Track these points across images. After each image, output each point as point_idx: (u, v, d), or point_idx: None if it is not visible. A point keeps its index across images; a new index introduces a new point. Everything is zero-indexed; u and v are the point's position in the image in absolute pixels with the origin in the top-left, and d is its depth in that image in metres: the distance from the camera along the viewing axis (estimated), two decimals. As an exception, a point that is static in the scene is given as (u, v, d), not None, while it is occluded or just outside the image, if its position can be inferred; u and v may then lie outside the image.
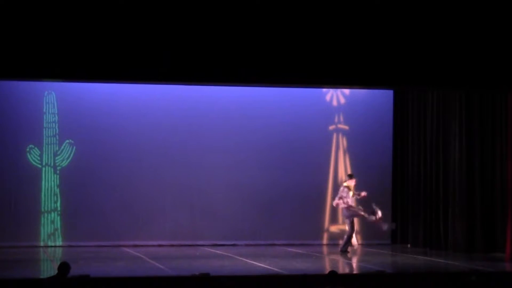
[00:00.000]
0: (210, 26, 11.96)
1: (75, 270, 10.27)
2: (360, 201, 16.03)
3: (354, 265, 14.58)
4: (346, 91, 17.71)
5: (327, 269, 12.44)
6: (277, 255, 15.02)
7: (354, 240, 15.95)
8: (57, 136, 16.61)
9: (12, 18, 11.40)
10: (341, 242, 16.12)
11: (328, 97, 17.77)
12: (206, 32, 11.96)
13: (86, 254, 14.90)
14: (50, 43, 11.55)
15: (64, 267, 9.54)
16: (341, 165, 17.76)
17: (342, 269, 13.78)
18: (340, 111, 17.82)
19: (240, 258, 14.41)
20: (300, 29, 12.20)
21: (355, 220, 15.96)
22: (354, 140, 17.80)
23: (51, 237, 16.52)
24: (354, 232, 15.87)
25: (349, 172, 17.06)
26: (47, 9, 11.47)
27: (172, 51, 11.93)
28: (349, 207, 15.61)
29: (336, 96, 17.77)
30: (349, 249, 15.62)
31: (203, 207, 17.12)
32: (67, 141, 16.63)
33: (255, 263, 13.70)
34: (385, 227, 15.97)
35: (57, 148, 16.60)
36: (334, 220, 17.66)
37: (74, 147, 16.62)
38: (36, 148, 16.50)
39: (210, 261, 13.95)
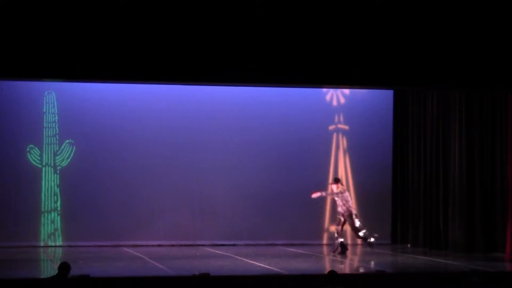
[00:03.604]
0: (210, 26, 11.95)
1: (75, 270, 10.26)
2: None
3: (354, 265, 14.58)
4: (346, 91, 17.71)
5: (327, 269, 12.43)
6: (277, 255, 15.02)
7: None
8: (57, 136, 16.62)
9: (12, 18, 11.40)
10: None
11: (328, 97, 17.77)
12: (207, 32, 11.95)
13: (86, 254, 14.90)
14: (50, 43, 11.54)
15: (64, 267, 9.52)
16: (341, 165, 17.76)
17: (342, 269, 13.77)
18: (340, 111, 17.82)
19: (240, 258, 14.41)
20: (300, 29, 12.19)
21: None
22: (354, 140, 17.80)
23: (51, 237, 16.52)
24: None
25: (338, 176, 16.96)
26: (47, 9, 11.46)
27: (172, 51, 11.92)
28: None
29: (336, 96, 17.77)
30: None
31: (203, 207, 17.13)
32: (67, 141, 16.63)
33: (255, 263, 13.70)
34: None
35: (57, 148, 16.60)
36: (334, 220, 17.63)
37: (74, 147, 16.63)
38: (36, 148, 16.50)
39: (210, 261, 13.95)
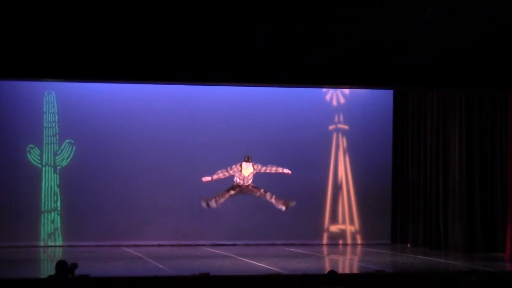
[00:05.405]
0: (208, 26, 11.95)
1: (75, 270, 10.25)
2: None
3: (354, 265, 14.58)
4: (346, 91, 17.71)
5: (327, 269, 12.42)
6: (277, 255, 15.02)
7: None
8: (57, 136, 16.62)
9: (12, 18, 11.40)
10: None
11: (328, 97, 17.77)
12: (205, 31, 11.94)
13: (86, 254, 14.90)
14: (50, 43, 11.54)
15: (61, 265, 9.44)
16: (341, 165, 17.76)
17: (342, 269, 13.78)
18: (340, 111, 17.82)
19: (240, 258, 14.41)
20: (299, 29, 12.19)
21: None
22: (354, 140, 17.79)
23: (51, 237, 16.52)
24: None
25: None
26: (47, 9, 11.46)
27: (172, 51, 11.92)
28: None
29: (336, 96, 17.76)
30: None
31: (203, 207, 17.09)
32: (67, 140, 16.63)
33: (255, 263, 13.70)
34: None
35: (57, 147, 16.60)
36: (334, 220, 17.66)
37: (74, 147, 16.63)
38: (36, 147, 16.50)
39: (210, 261, 13.95)
